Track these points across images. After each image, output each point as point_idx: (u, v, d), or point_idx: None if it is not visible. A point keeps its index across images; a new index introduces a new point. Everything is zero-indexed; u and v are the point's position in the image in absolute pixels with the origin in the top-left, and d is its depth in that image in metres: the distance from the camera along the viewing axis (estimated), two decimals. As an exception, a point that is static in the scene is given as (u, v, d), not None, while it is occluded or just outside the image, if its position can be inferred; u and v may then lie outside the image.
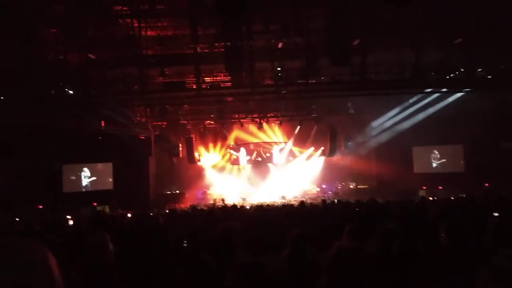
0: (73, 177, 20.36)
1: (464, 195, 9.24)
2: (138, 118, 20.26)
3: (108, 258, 3.71)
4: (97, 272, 3.54)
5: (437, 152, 21.28)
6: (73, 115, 16.80)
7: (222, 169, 23.55)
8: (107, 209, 16.98)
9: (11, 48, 12.21)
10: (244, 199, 20.24)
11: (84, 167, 20.49)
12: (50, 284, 0.98)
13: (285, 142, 23.20)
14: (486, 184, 16.45)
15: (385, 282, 2.70)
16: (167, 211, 11.19)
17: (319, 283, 1.96)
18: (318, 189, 22.40)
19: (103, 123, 18.25)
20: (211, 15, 12.00)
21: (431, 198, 10.49)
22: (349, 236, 3.91)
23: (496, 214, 5.26)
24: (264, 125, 21.63)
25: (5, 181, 17.34)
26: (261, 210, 7.83)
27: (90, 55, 13.39)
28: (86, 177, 20.62)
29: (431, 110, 18.64)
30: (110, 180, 20.69)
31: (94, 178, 20.69)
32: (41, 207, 15.69)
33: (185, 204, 19.30)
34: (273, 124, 22.29)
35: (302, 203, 9.35)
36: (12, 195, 16.19)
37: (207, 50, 14.13)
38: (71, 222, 8.38)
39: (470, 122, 17.45)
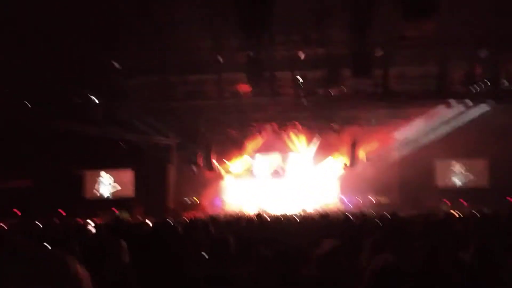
0: (95, 183, 20.65)
1: (489, 211, 8.97)
2: (159, 126, 20.44)
3: (122, 267, 3.71)
4: (111, 281, 3.54)
5: (461, 166, 20.83)
6: (96, 122, 17.08)
7: (240, 178, 23.51)
8: (127, 215, 17.12)
9: (34, 55, 12.51)
10: (262, 210, 20.10)
11: (106, 173, 20.76)
12: None
13: (305, 153, 23.05)
14: (511, 199, 15.99)
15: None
16: (187, 220, 11.17)
17: None
18: (339, 202, 22.11)
19: (125, 131, 18.51)
20: (234, 26, 12.07)
21: (455, 213, 10.22)
22: (371, 251, 3.82)
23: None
24: (284, 134, 21.57)
25: (29, 185, 17.70)
26: (283, 223, 7.74)
27: (114, 63, 13.61)
28: (107, 183, 20.89)
29: (455, 123, 18.28)
30: (131, 187, 20.88)
31: (115, 184, 20.94)
32: (63, 213, 15.89)
33: (204, 213, 19.31)
34: (292, 134, 22.18)
35: (324, 216, 9.18)
36: (34, 200, 16.49)
37: (228, 60, 14.19)
38: (92, 229, 8.44)
39: (495, 136, 17.07)
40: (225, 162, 23.33)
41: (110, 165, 20.40)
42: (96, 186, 20.63)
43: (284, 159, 23.33)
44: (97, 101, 14.83)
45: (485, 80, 14.56)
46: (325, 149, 22.79)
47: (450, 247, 4.60)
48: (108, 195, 20.71)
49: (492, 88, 14.32)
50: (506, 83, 14.33)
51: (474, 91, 14.62)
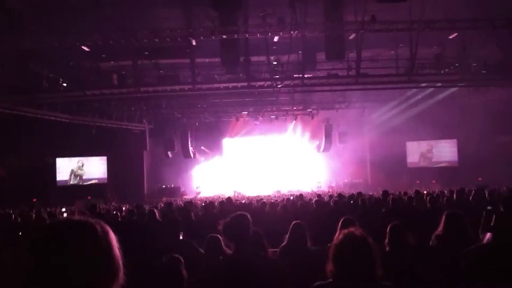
0: (67, 171, 20.32)
1: (458, 189, 9.28)
2: (133, 112, 20.16)
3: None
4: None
5: (431, 146, 21.41)
6: (67, 108, 16.71)
7: (216, 162, 23.58)
8: (101, 202, 16.96)
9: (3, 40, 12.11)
10: (237, 193, 20.26)
11: (78, 160, 20.44)
12: (111, 260, 1.04)
13: (280, 137, 23.23)
14: (480, 179, 16.52)
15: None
16: (163, 205, 11.18)
17: (324, 271, 1.96)
18: (313, 183, 22.45)
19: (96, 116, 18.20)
20: (207, 8, 11.92)
21: (425, 192, 10.53)
22: (342, 229, 3.92)
23: (489, 208, 5.31)
24: (260, 119, 21.63)
25: (3, 174, 17.27)
26: (261, 205, 7.83)
27: (84, 47, 13.18)
28: (79, 170, 20.59)
29: (425, 105, 18.68)
30: (104, 173, 20.65)
31: (88, 171, 20.66)
32: (35, 200, 15.62)
33: (181, 198, 19.31)
34: (268, 119, 22.30)
35: (299, 197, 9.34)
36: (7, 189, 16.12)
37: (202, 43, 14.01)
38: (65, 215, 8.36)
39: (465, 117, 17.54)
40: (201, 147, 23.31)
41: (83, 152, 20.08)
42: (69, 174, 20.31)
43: (261, 144, 23.51)
44: (65, 85, 14.43)
45: (455, 63, 14.95)
46: (301, 133, 23.04)
47: (419, 224, 4.78)
48: (82, 182, 20.44)
49: (462, 71, 14.68)
50: (474, 65, 14.71)
51: (443, 73, 14.96)
